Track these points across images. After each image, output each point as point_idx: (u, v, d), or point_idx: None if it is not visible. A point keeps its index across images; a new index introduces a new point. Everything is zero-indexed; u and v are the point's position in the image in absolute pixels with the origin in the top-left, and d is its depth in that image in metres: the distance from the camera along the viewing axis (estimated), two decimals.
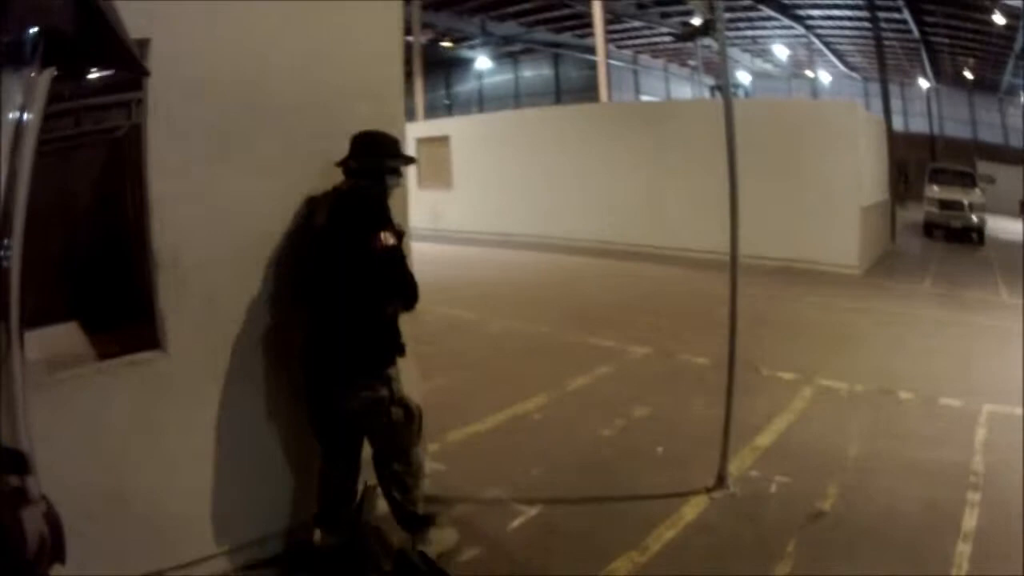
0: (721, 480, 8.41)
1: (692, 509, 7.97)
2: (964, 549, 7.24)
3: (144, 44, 5.64)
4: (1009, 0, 38.95)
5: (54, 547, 2.19)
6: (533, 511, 7.92)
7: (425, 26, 47.52)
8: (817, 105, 34.24)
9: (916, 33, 52.57)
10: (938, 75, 67.83)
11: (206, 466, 6.36)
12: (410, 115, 37.47)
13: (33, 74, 2.14)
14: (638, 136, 27.52)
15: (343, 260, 6.02)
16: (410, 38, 40.49)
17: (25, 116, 2.16)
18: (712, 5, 8.45)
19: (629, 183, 27.34)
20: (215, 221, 6.35)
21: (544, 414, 11.05)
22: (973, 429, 10.63)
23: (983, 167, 52.76)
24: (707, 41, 56.71)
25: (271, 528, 6.84)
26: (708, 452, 8.63)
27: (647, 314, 17.89)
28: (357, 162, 6.32)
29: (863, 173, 24.79)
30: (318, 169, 6.69)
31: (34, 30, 2.09)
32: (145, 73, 2.36)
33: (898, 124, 66.52)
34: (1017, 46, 48.27)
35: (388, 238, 5.95)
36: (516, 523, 7.71)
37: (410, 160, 6.76)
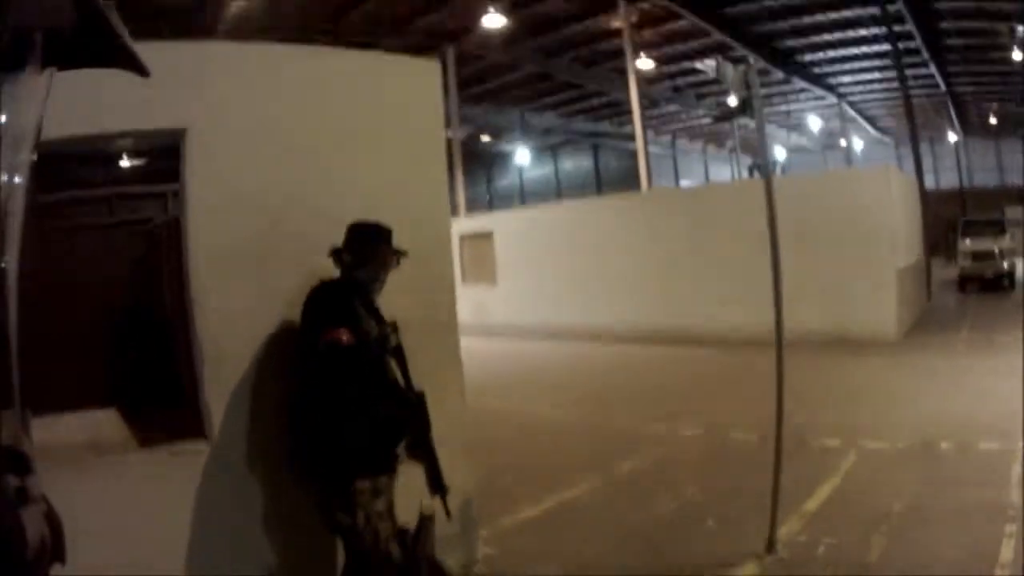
0: (771, 545, 8.51)
1: (747, 571, 8.12)
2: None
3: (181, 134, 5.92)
4: None
5: (54, 547, 2.22)
6: None
7: (464, 120, 47.78)
8: (851, 174, 34.12)
9: (943, 86, 52.59)
10: (964, 126, 67.81)
11: (250, 555, 6.37)
12: (453, 211, 37.57)
13: (33, 74, 2.19)
14: (679, 221, 27.53)
15: (297, 358, 6.02)
16: (449, 133, 40.68)
17: (25, 117, 2.22)
18: (748, 83, 8.60)
19: (671, 268, 27.26)
20: (256, 313, 6.45)
21: (596, 496, 11.12)
22: (1009, 467, 10.79)
23: (1012, 212, 52.45)
24: (743, 120, 57.22)
25: None
26: (758, 521, 8.69)
27: (694, 397, 17.94)
28: (346, 253, 6.13)
29: (898, 236, 24.85)
30: None
31: (34, 30, 2.14)
32: (145, 74, 2.34)
33: (930, 182, 66.74)
34: None
35: (341, 335, 5.60)
36: None
37: (399, 253, 6.30)
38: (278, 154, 6.71)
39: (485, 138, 61.35)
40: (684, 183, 68.62)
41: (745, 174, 56.76)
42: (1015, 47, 41.12)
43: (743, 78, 8.66)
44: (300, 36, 30.88)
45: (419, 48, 38.22)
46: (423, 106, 8.15)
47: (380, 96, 7.68)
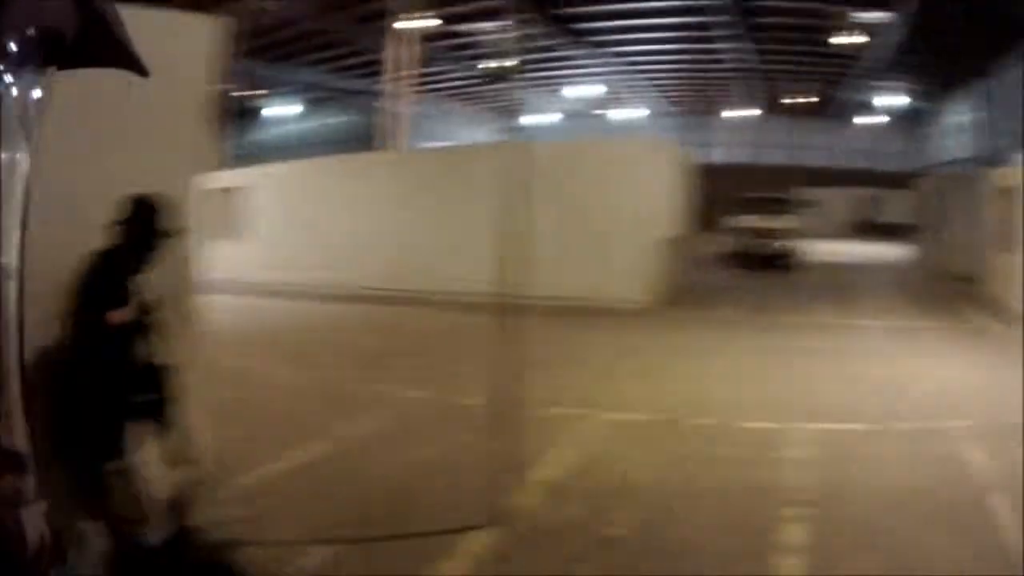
0: (505, 513, 8.36)
1: (478, 542, 7.91)
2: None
3: None
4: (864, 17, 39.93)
5: (54, 547, 2.13)
6: (327, 551, 7.85)
7: (239, 75, 47.03)
8: (616, 143, 34.34)
9: (746, 62, 53.33)
10: (766, 104, 69.04)
11: None
12: (215, 165, 36.79)
13: (33, 75, 2.07)
14: (429, 183, 27.65)
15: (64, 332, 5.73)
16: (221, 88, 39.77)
17: (25, 116, 2.08)
18: (519, 48, 8.60)
19: (419, 229, 27.17)
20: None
21: (330, 458, 10.91)
22: (780, 449, 10.81)
23: (807, 193, 53.68)
24: (509, 83, 57.09)
25: None
26: (491, 489, 8.53)
27: (428, 358, 17.90)
28: (121, 225, 6.01)
29: (661, 207, 25.31)
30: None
31: (33, 30, 2.03)
32: (146, 74, 2.25)
33: (720, 155, 67.90)
34: (863, 66, 49.46)
35: (120, 314, 5.62)
36: (305, 563, 7.59)
37: (167, 233, 6.23)
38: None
39: (258, 93, 60.52)
40: (439, 144, 68.70)
41: (503, 137, 57.16)
42: (836, 31, 42.15)
43: (515, 42, 8.69)
44: None
45: (197, 4, 37.30)
46: (191, 63, 8.07)
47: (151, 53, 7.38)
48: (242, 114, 66.24)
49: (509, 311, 8.72)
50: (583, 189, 24.05)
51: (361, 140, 59.18)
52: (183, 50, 7.92)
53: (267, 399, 14.05)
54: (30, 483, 2.05)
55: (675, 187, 29.47)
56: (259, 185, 33.22)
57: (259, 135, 72.97)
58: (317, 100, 69.28)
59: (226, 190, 32.66)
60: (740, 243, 38.41)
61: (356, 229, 29.11)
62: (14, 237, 2.05)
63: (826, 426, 11.83)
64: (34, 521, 2.03)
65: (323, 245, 29.88)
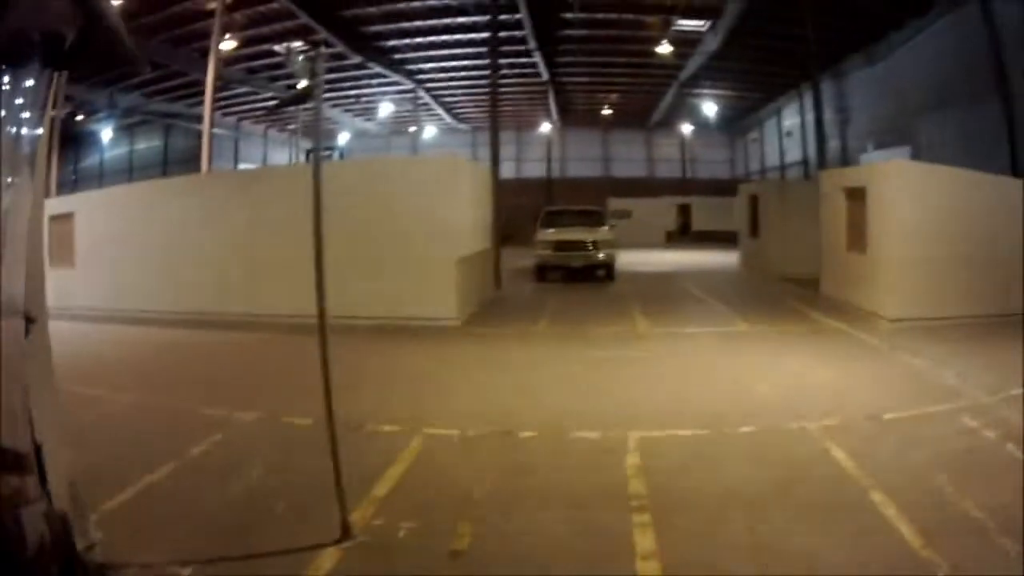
0: (346, 531, 8.48)
1: (327, 561, 8.00)
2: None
3: None
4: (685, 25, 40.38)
5: (54, 547, 2.25)
6: (186, 572, 7.81)
7: (63, 98, 46.16)
8: (418, 161, 34.66)
9: (545, 75, 53.65)
10: (569, 117, 69.36)
11: None
12: (46, 192, 36.17)
13: (33, 74, 2.20)
14: (235, 204, 27.56)
15: None
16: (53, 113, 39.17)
17: (25, 117, 2.21)
18: (314, 71, 8.64)
19: (230, 251, 27.18)
20: None
21: (175, 481, 10.85)
22: (620, 457, 11.03)
23: (622, 203, 53.97)
24: (307, 104, 57.13)
25: None
26: (329, 507, 8.63)
27: (251, 380, 17.80)
28: None
29: (461, 223, 25.45)
30: None
31: (34, 31, 2.13)
32: (145, 73, 2.25)
33: (527, 170, 68.17)
34: (683, 75, 49.99)
35: None
36: None
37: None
38: None
39: (79, 117, 59.47)
40: (245, 166, 68.42)
41: (303, 158, 57.26)
42: (653, 42, 42.55)
43: (310, 66, 8.74)
44: None
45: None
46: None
47: None
48: (76, 139, 65.17)
49: (323, 331, 8.78)
50: (384, 206, 24.26)
51: (183, 163, 58.70)
52: None
53: (111, 425, 13.94)
54: (30, 483, 2.20)
55: (480, 203, 29.96)
56: (83, 211, 32.70)
57: (85, 160, 71.86)
58: (136, 124, 68.35)
59: (64, 216, 32.23)
60: (553, 256, 38.07)
61: (171, 252, 28.97)
62: (21, 237, 2.23)
63: (663, 433, 12.13)
64: (34, 521, 2.16)
65: (143, 270, 29.70)
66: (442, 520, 8.98)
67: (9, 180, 2.14)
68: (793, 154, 58.80)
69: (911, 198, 22.48)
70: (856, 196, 24.98)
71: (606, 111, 66.64)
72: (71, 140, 65.09)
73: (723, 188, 60.78)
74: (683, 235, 63.95)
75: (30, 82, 2.19)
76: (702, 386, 15.30)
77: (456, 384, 16.49)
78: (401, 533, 8.66)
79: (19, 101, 2.15)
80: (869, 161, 41.18)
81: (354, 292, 19.20)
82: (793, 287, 30.13)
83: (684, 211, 66.62)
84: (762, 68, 51.36)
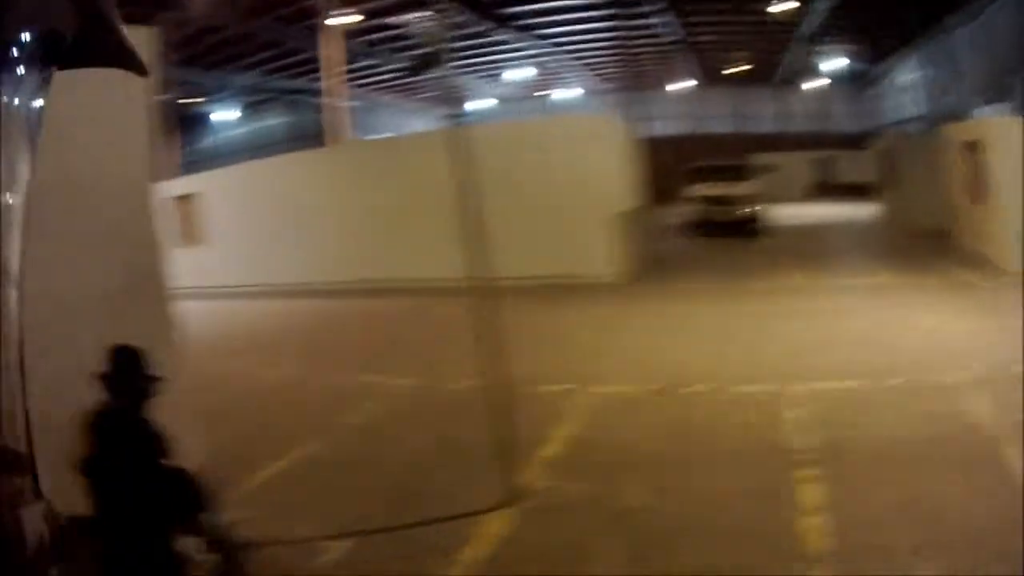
0: (515, 494, 8.42)
1: (495, 525, 7.95)
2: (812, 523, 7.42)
3: None
4: None
5: (54, 547, 2.21)
6: (345, 545, 7.84)
7: (174, 84, 46.75)
8: (558, 122, 34.14)
9: (680, 34, 53.22)
10: (707, 74, 68.82)
11: None
12: (165, 174, 36.66)
13: (33, 75, 2.15)
14: (377, 173, 27.63)
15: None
16: (160, 98, 39.78)
17: (26, 116, 2.17)
18: (439, 37, 8.56)
19: (373, 220, 27.29)
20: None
21: (330, 452, 10.93)
22: (779, 411, 10.83)
23: (764, 157, 53.49)
24: (441, 72, 56.74)
25: None
26: (493, 470, 8.61)
27: (405, 346, 17.90)
28: (115, 380, 5.84)
29: (611, 181, 25.17)
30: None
31: (34, 30, 2.10)
32: (145, 73, 2.26)
33: (665, 128, 67.73)
34: (803, 31, 49.42)
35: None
36: (323, 560, 7.63)
37: (155, 380, 6.01)
38: None
39: (194, 100, 60.05)
40: (379, 136, 68.40)
41: (448, 124, 56.79)
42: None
43: (434, 32, 8.64)
44: None
45: (129, 17, 37.26)
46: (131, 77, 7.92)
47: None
48: (187, 122, 65.96)
49: (479, 294, 8.64)
50: (531, 168, 24.10)
51: (306, 139, 58.76)
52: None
53: (259, 401, 14.09)
54: (30, 483, 2.13)
55: (624, 161, 29.26)
56: (212, 190, 33.10)
57: (207, 141, 72.55)
58: (258, 103, 68.81)
59: (182, 197, 32.53)
60: (702, 211, 37.56)
61: (308, 225, 29.17)
62: (16, 238, 2.10)
63: (820, 385, 11.83)
64: (34, 521, 2.12)
65: (282, 243, 29.88)
66: (609, 480, 8.86)
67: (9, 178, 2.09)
68: (913, 109, 57.88)
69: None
70: (974, 150, 24.40)
71: (736, 68, 66.00)
72: (186, 122, 65.93)
73: (853, 142, 60.37)
74: (820, 189, 62.66)
75: (29, 81, 2.13)
76: (850, 338, 14.89)
77: (619, 341, 16.42)
78: (569, 495, 8.59)
79: (19, 101, 2.09)
80: (981, 116, 40.30)
81: (509, 253, 19.22)
82: (927, 239, 29.11)
83: (819, 165, 65.55)
84: (883, 18, 50.43)
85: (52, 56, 2.19)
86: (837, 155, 64.05)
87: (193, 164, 61.41)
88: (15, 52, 2.04)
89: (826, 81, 68.50)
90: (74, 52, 2.27)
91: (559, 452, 10.01)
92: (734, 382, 12.36)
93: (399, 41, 50.17)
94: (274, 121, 71.41)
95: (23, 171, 2.12)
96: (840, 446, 9.39)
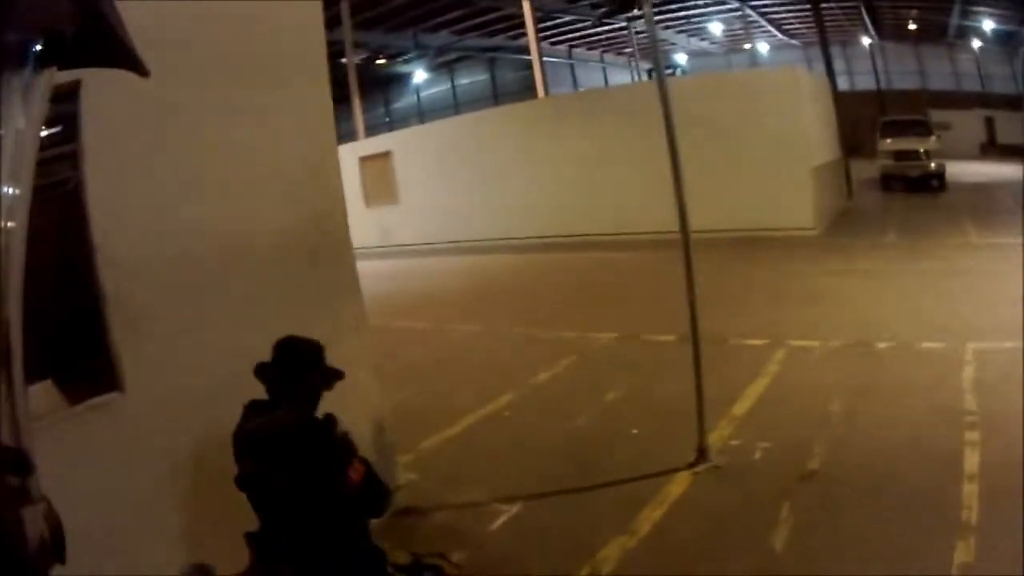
0: (702, 453, 8.25)
1: (677, 487, 7.81)
2: (971, 489, 7.09)
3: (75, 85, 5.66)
4: None
5: (54, 547, 2.17)
6: (514, 509, 7.78)
7: (358, 45, 47.32)
8: (757, 74, 33.92)
9: None
10: (880, 30, 67.98)
11: (161, 503, 6.34)
12: (352, 135, 37.36)
13: (33, 75, 2.12)
14: (577, 127, 27.47)
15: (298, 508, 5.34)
16: (343, 60, 40.51)
17: (26, 117, 2.15)
18: None
19: (572, 174, 27.36)
20: (155, 263, 6.40)
21: (514, 411, 10.90)
22: (959, 369, 10.49)
23: (937, 115, 52.65)
24: (639, 27, 56.97)
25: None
26: (685, 428, 8.44)
27: (606, 299, 17.84)
28: (280, 376, 5.54)
29: (810, 134, 24.78)
30: (270, 196, 7.20)
31: (34, 30, 2.08)
32: (146, 73, 2.30)
33: (844, 84, 66.79)
34: None
35: (355, 470, 5.25)
36: (498, 523, 7.56)
37: (338, 375, 5.75)
38: (172, 101, 6.53)
39: (381, 61, 60.69)
40: (587, 89, 68.36)
41: (645, 78, 56.49)
42: None
43: None
44: None
45: None
46: (308, 42, 8.31)
47: (267, 36, 7.70)
48: (383, 82, 66.86)
49: (684, 246, 8.50)
50: (735, 120, 23.91)
51: (515, 94, 59.03)
52: (297, 30, 8.22)
53: (445, 356, 14.40)
54: (31, 483, 2.09)
55: (822, 114, 28.99)
56: (402, 149, 33.56)
57: (403, 101, 73.51)
58: (455, 61, 69.39)
59: (376, 156, 33.26)
60: (891, 166, 37.43)
61: (504, 181, 29.48)
62: (19, 237, 2.10)
63: (992, 344, 11.41)
64: (34, 521, 2.08)
65: (471, 200, 30.37)
66: (797, 440, 8.67)
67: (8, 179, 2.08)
68: None
69: None
70: None
71: (911, 24, 65.05)
72: (378, 83, 66.74)
73: (1014, 103, 58.19)
74: (991, 147, 61.14)
75: (29, 81, 2.11)
76: (1015, 296, 13.97)
77: (816, 294, 16.20)
78: (756, 454, 8.45)
79: (18, 100, 2.09)
80: None
81: (707, 206, 19.06)
82: None
83: (988, 123, 63.61)
84: None
85: (52, 56, 2.17)
86: (998, 115, 62.25)
87: (392, 124, 62.35)
88: (15, 52, 2.04)
89: (981, 43, 66.92)
90: (74, 52, 2.25)
91: (752, 408, 9.85)
92: (921, 337, 12.07)
93: None
94: (477, 79, 71.82)
95: (24, 171, 2.11)
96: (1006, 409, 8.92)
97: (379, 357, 8.80)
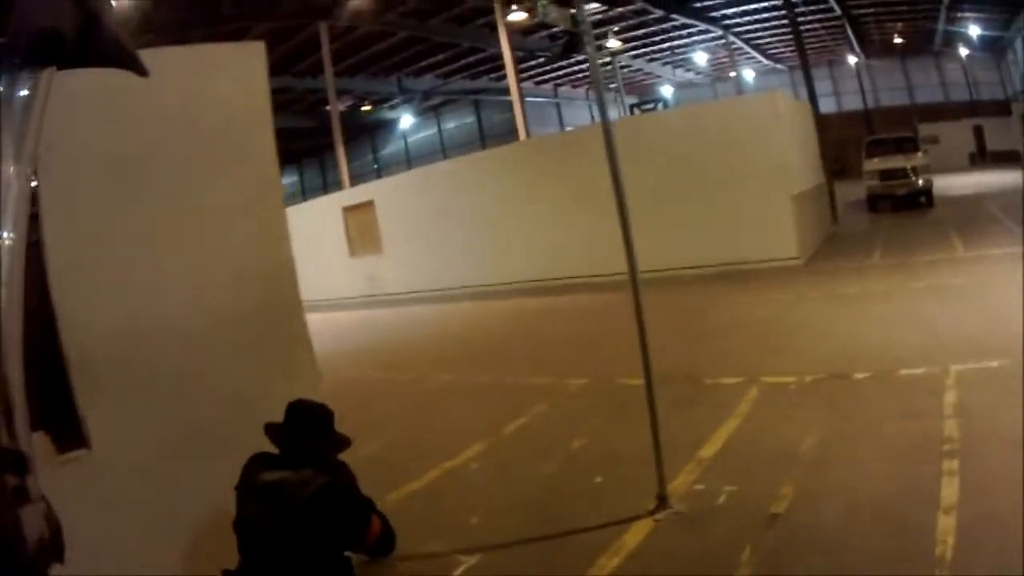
0: (662, 500, 7.98)
1: (635, 536, 7.55)
2: (947, 523, 6.70)
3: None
4: None
5: (54, 547, 2.17)
6: (473, 560, 7.62)
7: (342, 92, 47.50)
8: (738, 102, 34.09)
9: (838, 10, 53.07)
10: (866, 48, 68.59)
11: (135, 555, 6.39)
12: (336, 186, 37.60)
13: (33, 75, 2.07)
14: (557, 167, 27.36)
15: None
16: (328, 107, 40.81)
17: (26, 117, 2.09)
18: (576, 20, 8.32)
19: (555, 216, 27.20)
20: (116, 320, 6.72)
21: (481, 462, 10.75)
22: (940, 395, 10.11)
23: (926, 129, 53.04)
24: (624, 60, 57.42)
25: None
26: (650, 474, 8.16)
27: (579, 344, 17.74)
28: (292, 437, 6.06)
29: (791, 161, 24.68)
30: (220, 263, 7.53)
31: (33, 31, 2.02)
32: (145, 73, 2.21)
33: (831, 105, 67.41)
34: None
35: (376, 524, 6.10)
36: (457, 573, 7.43)
37: (347, 442, 6.41)
38: (119, 162, 6.93)
39: (366, 108, 60.98)
40: (568, 130, 68.94)
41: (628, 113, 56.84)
42: None
43: (569, 16, 8.39)
44: (176, 31, 32.26)
45: (290, 28, 38.53)
46: (249, 93, 8.30)
47: (206, 89, 7.92)
48: (369, 128, 67.35)
49: (633, 289, 8.35)
50: (715, 151, 23.84)
51: (500, 136, 59.46)
52: (238, 80, 8.32)
53: (417, 408, 14.48)
54: (31, 483, 2.08)
55: (804, 139, 29.18)
56: (383, 197, 34.02)
57: (390, 147, 74.01)
58: (441, 105, 69.90)
59: (363, 204, 34.04)
60: (880, 186, 37.47)
61: (490, 224, 29.65)
62: (18, 241, 2.10)
63: (976, 365, 11.09)
64: (34, 521, 2.06)
65: (453, 248, 30.60)
66: (764, 482, 8.31)
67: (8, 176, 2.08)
68: None
69: None
70: None
71: (897, 39, 65.79)
72: (365, 130, 67.20)
73: (1001, 109, 60.49)
74: (981, 157, 61.87)
75: (29, 82, 2.09)
76: (1000, 310, 14.01)
77: (798, 326, 16.06)
78: (720, 499, 8.11)
79: (18, 101, 2.06)
80: None
81: (687, 241, 18.90)
82: None
83: (978, 132, 64.42)
84: None
85: (52, 56, 2.14)
86: (994, 121, 62.77)
87: (381, 171, 62.65)
88: (14, 52, 2.01)
89: (968, 50, 67.76)
90: (74, 52, 2.20)
91: (720, 450, 9.55)
92: (902, 364, 11.72)
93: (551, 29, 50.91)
94: (463, 121, 72.50)
95: (23, 170, 2.10)
96: (988, 433, 8.61)
97: (352, 410, 8.90)
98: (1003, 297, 14.72)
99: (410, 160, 70.51)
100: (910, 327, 14.18)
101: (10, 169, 2.00)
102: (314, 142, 60.82)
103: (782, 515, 7.47)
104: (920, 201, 36.73)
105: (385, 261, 33.19)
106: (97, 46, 2.30)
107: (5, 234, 2.04)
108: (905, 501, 7.29)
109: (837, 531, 7.01)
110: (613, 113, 70.67)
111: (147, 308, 6.95)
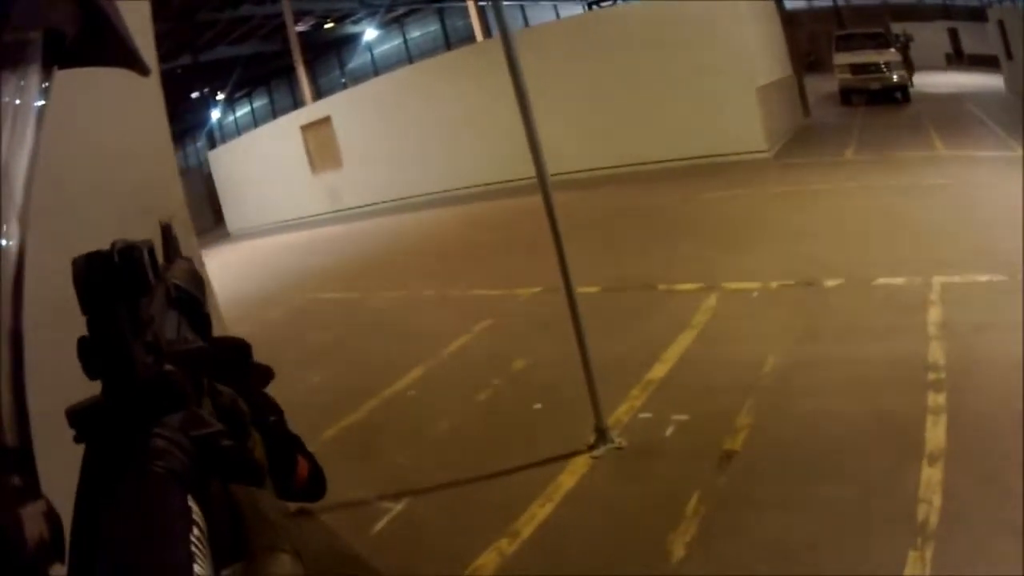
0: (602, 433, 7.07)
1: (571, 476, 6.69)
2: (932, 475, 5.61)
3: None
4: None
5: (54, 547, 1.50)
6: (399, 507, 6.95)
7: (304, 14, 46.81)
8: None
9: None
10: None
11: None
12: (296, 104, 36.92)
13: (33, 75, 1.47)
14: (500, 71, 26.54)
15: None
16: (288, 28, 40.29)
17: (25, 118, 1.50)
18: None
19: (509, 118, 26.42)
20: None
21: (419, 388, 9.93)
22: (923, 310, 9.00)
23: (899, 28, 52.49)
24: None
25: None
26: (598, 398, 7.21)
27: (533, 250, 16.67)
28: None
29: (754, 53, 24.35)
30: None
31: (35, 30, 1.44)
32: (146, 73, 1.28)
33: (801, 3, 66.69)
34: None
35: (303, 465, 4.60)
36: (380, 525, 6.72)
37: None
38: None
39: (329, 25, 60.18)
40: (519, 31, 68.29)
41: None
42: None
43: None
44: None
45: None
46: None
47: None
48: (335, 44, 66.89)
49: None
50: (680, 47, 23.40)
51: (467, 40, 58.80)
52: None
53: (366, 329, 13.90)
54: (31, 482, 1.62)
55: (771, 34, 29.00)
56: (340, 112, 33.87)
57: (357, 61, 73.45)
58: (404, 15, 69.27)
59: (320, 121, 34.10)
60: (853, 79, 37.03)
61: (444, 130, 29.57)
62: (17, 229, 1.57)
63: (960, 279, 9.99)
64: (34, 521, 1.59)
65: (412, 157, 30.72)
66: (720, 411, 7.30)
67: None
68: None
69: None
70: None
71: None
72: (330, 46, 66.69)
73: (976, 14, 59.22)
74: (958, 58, 62.34)
75: (30, 81, 1.37)
76: (991, 218, 12.88)
77: (764, 226, 15.06)
78: (668, 430, 7.17)
79: (18, 100, 1.36)
80: None
81: (654, 136, 18.05)
82: None
83: (953, 35, 64.98)
84: None
85: (53, 55, 1.65)
86: (968, 26, 62.90)
87: (347, 86, 61.93)
88: (15, 51, 1.53)
89: None
90: (75, 51, 1.73)
91: (672, 370, 8.56)
92: (878, 272, 10.62)
93: None
94: (428, 30, 72.19)
95: (24, 170, 1.62)
96: (976, 360, 7.50)
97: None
98: (991, 203, 13.83)
99: (377, 72, 69.99)
100: (888, 230, 13.17)
101: (10, 169, 1.39)
102: (281, 63, 60.17)
103: (737, 453, 6.48)
104: (896, 97, 36.54)
105: (345, 175, 33.22)
106: (98, 45, 1.65)
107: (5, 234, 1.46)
108: (881, 447, 6.19)
109: (797, 478, 5.98)
110: (578, 10, 70.68)
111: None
